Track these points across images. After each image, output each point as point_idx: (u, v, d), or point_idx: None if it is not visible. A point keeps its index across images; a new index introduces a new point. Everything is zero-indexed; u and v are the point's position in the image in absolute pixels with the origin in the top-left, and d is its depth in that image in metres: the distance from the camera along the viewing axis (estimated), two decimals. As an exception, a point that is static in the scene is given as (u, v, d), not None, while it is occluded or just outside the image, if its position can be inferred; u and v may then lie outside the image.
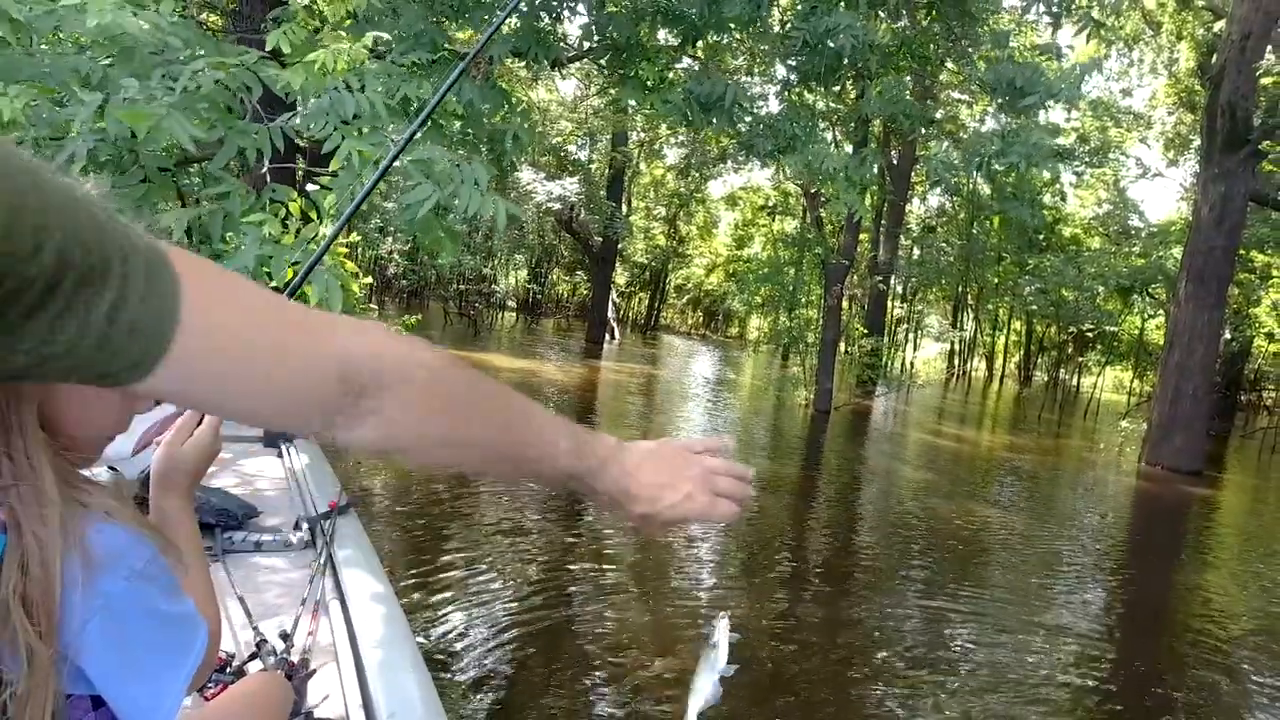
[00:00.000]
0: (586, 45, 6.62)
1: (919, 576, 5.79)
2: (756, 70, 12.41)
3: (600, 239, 25.16)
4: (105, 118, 2.15)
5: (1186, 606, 6.01)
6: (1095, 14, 8.54)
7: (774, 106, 9.20)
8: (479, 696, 3.18)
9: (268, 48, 3.06)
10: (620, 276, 36.10)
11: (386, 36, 3.75)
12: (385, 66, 3.32)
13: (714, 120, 6.16)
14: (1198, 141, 16.65)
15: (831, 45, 6.20)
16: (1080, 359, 30.10)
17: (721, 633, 0.79)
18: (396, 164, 2.40)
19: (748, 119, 6.75)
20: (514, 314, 35.43)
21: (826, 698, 3.72)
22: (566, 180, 24.14)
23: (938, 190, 29.57)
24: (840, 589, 5.39)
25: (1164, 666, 4.69)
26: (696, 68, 7.40)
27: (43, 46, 2.37)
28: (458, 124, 4.26)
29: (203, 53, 2.41)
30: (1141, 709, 4.04)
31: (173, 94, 2.12)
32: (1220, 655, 4.87)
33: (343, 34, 3.67)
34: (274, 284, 2.31)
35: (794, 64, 7.37)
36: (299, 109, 2.92)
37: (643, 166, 31.58)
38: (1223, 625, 5.50)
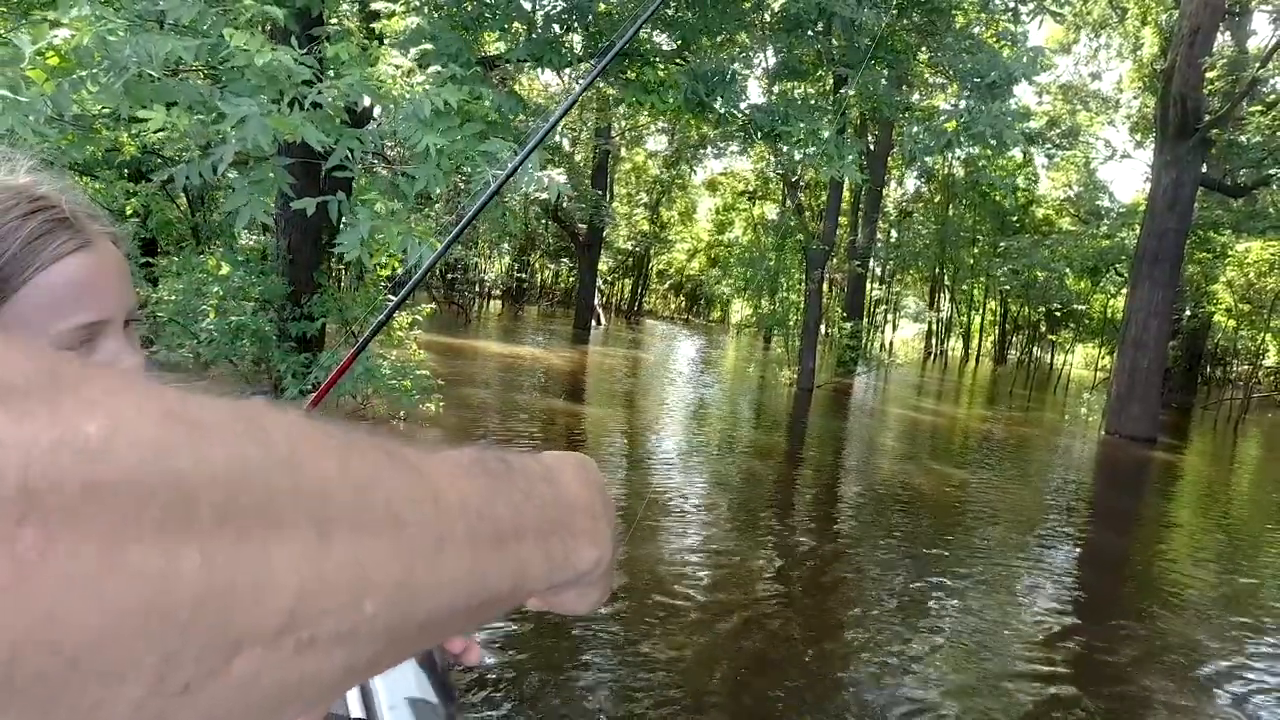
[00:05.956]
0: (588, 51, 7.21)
1: (896, 534, 6.36)
2: (740, 62, 13.03)
3: (585, 226, 25.69)
4: (245, 126, 2.75)
5: (1141, 554, 6.78)
6: (1048, 3, 9.23)
7: (755, 98, 9.85)
8: (480, 691, 3.20)
9: (329, 58, 3.64)
10: (604, 263, 36.63)
11: (429, 47, 4.34)
12: (434, 76, 3.92)
13: (716, 100, 6.67)
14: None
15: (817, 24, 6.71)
16: (1053, 337, 31.09)
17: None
18: (466, 156, 3.02)
19: (743, 105, 7.35)
20: (500, 302, 35.86)
21: (808, 645, 4.10)
22: (554, 171, 24.61)
23: (913, 173, 30.44)
24: (823, 544, 6.01)
25: (1112, 601, 5.41)
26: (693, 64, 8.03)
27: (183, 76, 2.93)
28: (478, 132, 4.84)
29: (315, 72, 3.01)
30: (1106, 649, 4.72)
31: (301, 109, 2.72)
32: (1175, 597, 5.61)
33: (391, 49, 4.25)
34: (380, 246, 2.89)
35: (779, 56, 8.00)
36: (376, 116, 3.51)
37: (624, 153, 32.08)
38: (1174, 570, 6.29)
